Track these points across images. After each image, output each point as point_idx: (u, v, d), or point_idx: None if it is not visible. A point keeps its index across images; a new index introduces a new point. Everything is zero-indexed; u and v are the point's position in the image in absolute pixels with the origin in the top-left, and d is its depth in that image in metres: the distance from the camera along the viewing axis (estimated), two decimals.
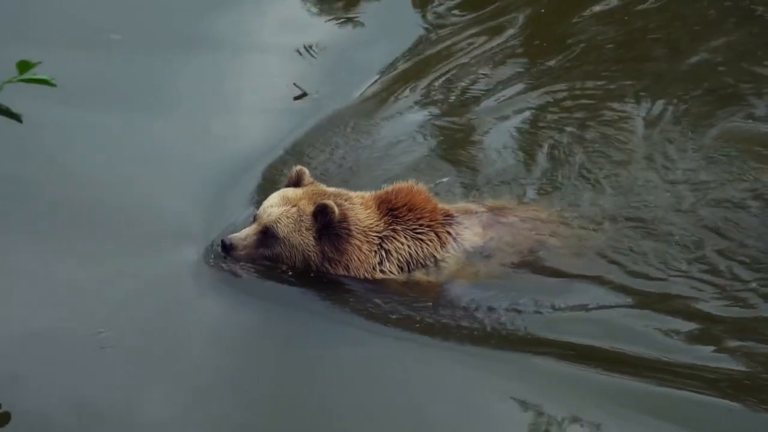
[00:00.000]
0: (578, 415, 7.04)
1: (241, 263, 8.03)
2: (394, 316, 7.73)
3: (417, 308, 7.81)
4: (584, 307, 7.85)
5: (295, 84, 10.31)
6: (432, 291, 7.99)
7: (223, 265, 8.02)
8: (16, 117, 5.97)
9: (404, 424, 6.94)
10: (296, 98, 10.24)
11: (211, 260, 8.14)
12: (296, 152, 9.39)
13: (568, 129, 9.73)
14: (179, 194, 8.74)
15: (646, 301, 7.89)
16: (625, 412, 7.00)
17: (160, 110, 9.74)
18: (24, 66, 5.85)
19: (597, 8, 11.59)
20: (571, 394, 7.14)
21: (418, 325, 7.66)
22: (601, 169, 9.16)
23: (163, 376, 7.12)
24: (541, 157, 9.38)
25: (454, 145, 9.64)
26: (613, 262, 8.20)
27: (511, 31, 11.32)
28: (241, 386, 7.12)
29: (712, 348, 7.49)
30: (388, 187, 8.25)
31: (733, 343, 7.53)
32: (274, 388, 7.17)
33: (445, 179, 9.07)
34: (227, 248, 7.97)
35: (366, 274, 8.00)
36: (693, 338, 7.60)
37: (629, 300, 7.90)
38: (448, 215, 8.23)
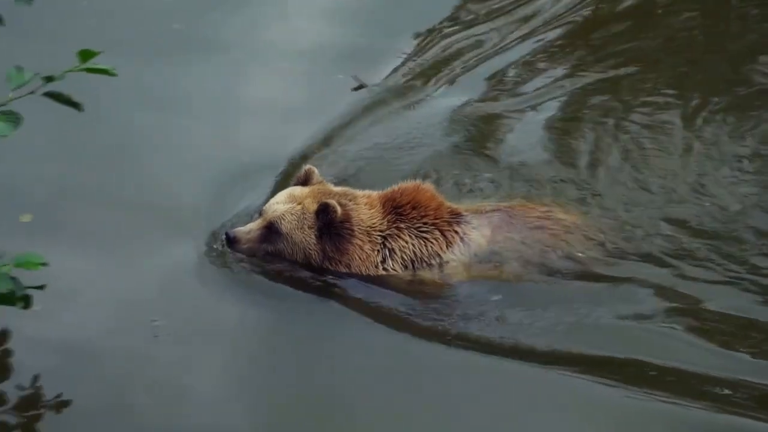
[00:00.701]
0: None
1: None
2: (404, 315, 7.78)
3: (428, 309, 7.82)
4: (605, 316, 7.68)
5: (353, 76, 10.34)
6: (441, 291, 7.97)
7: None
8: (76, 106, 5.97)
9: (411, 417, 7.03)
10: (354, 89, 10.26)
11: (213, 255, 8.26)
12: (317, 149, 9.43)
13: (606, 126, 9.54)
14: (199, 190, 8.83)
15: (675, 310, 7.68)
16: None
17: (177, 111, 9.80)
18: (86, 55, 5.86)
19: None
20: (582, 405, 7.08)
21: (428, 325, 7.67)
22: (639, 170, 8.97)
23: (208, 362, 7.36)
24: (575, 155, 9.22)
25: (486, 139, 9.54)
26: (645, 266, 7.99)
27: (546, 18, 11.23)
28: (272, 371, 7.33)
29: (748, 355, 7.28)
30: (395, 186, 8.22)
31: None
32: (299, 375, 7.33)
33: (487, 175, 8.99)
34: (231, 241, 8.05)
35: (368, 272, 8.01)
36: (730, 346, 7.38)
37: (657, 307, 7.69)
38: (455, 214, 8.14)
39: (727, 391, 7.04)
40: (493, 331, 7.60)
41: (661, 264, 8.02)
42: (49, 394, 6.84)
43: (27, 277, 6.08)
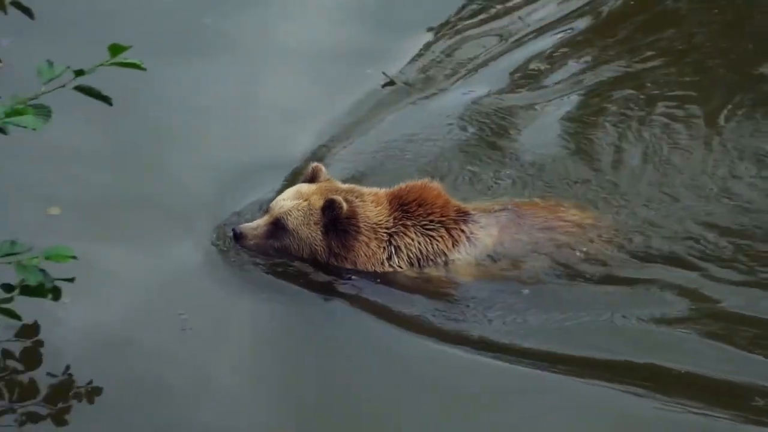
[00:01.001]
0: None
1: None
2: (412, 314, 7.80)
3: (437, 309, 7.82)
4: (620, 318, 7.53)
5: (383, 73, 10.34)
6: (448, 291, 7.96)
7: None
8: (106, 100, 6.00)
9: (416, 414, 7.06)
10: (384, 86, 10.30)
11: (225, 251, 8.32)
12: (333, 145, 9.44)
13: (628, 122, 9.43)
14: (212, 187, 8.88)
15: (696, 312, 7.51)
16: None
17: (190, 109, 9.81)
18: (116, 49, 5.89)
19: None
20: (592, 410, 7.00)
21: (439, 326, 7.68)
22: (660, 168, 8.85)
23: (223, 358, 7.43)
24: (595, 152, 9.12)
25: (505, 134, 9.48)
26: (663, 268, 7.86)
27: (567, 11, 11.20)
28: (284, 368, 7.38)
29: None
30: (402, 184, 8.23)
31: None
32: (309, 373, 7.38)
33: (508, 171, 8.93)
34: (237, 237, 8.10)
35: (374, 269, 8.04)
36: (755, 351, 7.21)
37: (677, 310, 7.52)
38: (462, 212, 8.14)
39: (754, 400, 6.90)
40: (503, 332, 7.58)
41: (682, 265, 7.93)
42: (78, 384, 6.91)
43: (53, 269, 6.10)
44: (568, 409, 6.98)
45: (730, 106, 9.52)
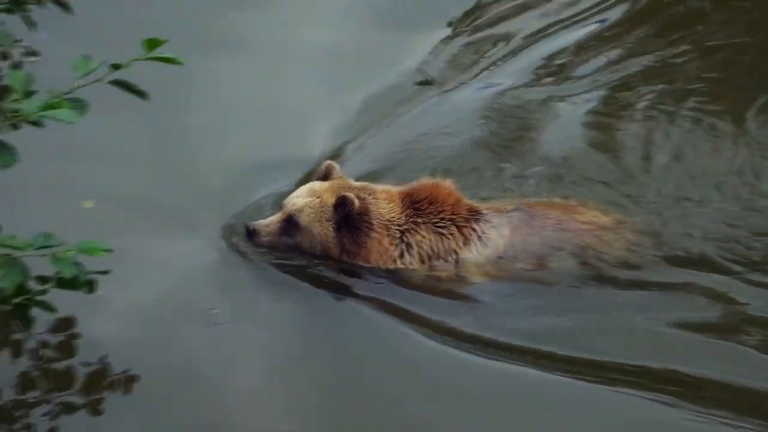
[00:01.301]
0: None
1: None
2: (426, 314, 7.81)
3: (452, 308, 7.82)
4: (634, 322, 7.48)
5: (418, 70, 10.40)
6: (459, 290, 7.96)
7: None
8: (142, 94, 6.03)
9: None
10: (418, 84, 10.33)
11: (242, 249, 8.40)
12: (350, 142, 9.50)
13: (656, 119, 9.31)
14: (229, 185, 8.97)
15: (714, 317, 7.42)
16: None
17: (205, 108, 9.89)
18: (152, 44, 5.92)
19: None
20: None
21: (451, 326, 7.67)
22: (686, 165, 8.78)
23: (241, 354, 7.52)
24: (619, 149, 9.03)
25: (527, 129, 9.46)
26: (678, 270, 7.77)
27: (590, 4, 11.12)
28: (309, 366, 7.42)
29: None
30: (415, 182, 8.27)
31: None
32: (335, 369, 7.43)
33: (537, 168, 8.91)
34: (250, 234, 8.14)
35: (386, 266, 8.07)
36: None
37: (695, 317, 7.41)
38: (473, 211, 8.13)
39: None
40: (513, 333, 7.53)
41: (709, 267, 7.85)
42: (113, 373, 6.99)
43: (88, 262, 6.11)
44: (580, 413, 6.96)
45: (759, 104, 9.41)
